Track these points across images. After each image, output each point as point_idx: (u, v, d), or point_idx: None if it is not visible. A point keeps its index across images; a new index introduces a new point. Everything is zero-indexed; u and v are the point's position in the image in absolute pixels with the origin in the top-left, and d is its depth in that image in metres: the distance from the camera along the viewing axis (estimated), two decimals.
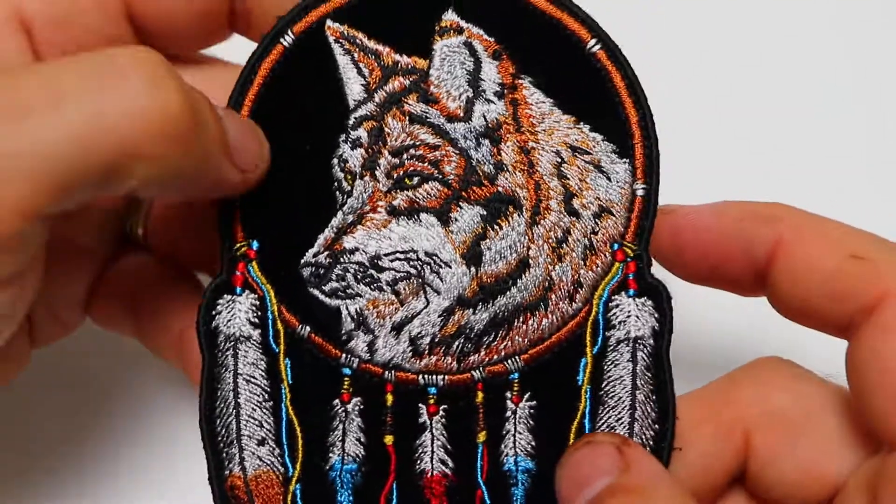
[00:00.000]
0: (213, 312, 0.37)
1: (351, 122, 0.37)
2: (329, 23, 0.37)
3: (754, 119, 0.52)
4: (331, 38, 0.37)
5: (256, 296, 0.37)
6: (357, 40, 0.37)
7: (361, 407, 0.37)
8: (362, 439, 0.37)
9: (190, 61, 0.40)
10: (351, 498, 0.37)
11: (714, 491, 0.38)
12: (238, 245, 0.37)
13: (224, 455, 0.37)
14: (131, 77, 0.30)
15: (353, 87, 0.37)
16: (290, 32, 0.37)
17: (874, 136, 0.52)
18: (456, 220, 0.37)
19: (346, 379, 0.37)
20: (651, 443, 0.37)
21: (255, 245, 0.37)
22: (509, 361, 0.37)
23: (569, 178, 0.37)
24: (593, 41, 0.37)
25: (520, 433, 0.37)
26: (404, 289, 0.37)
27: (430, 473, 0.37)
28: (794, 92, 0.53)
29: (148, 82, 0.31)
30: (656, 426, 0.37)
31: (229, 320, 0.37)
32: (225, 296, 0.37)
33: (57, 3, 0.35)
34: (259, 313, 0.37)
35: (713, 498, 0.38)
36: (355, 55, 0.37)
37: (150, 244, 0.42)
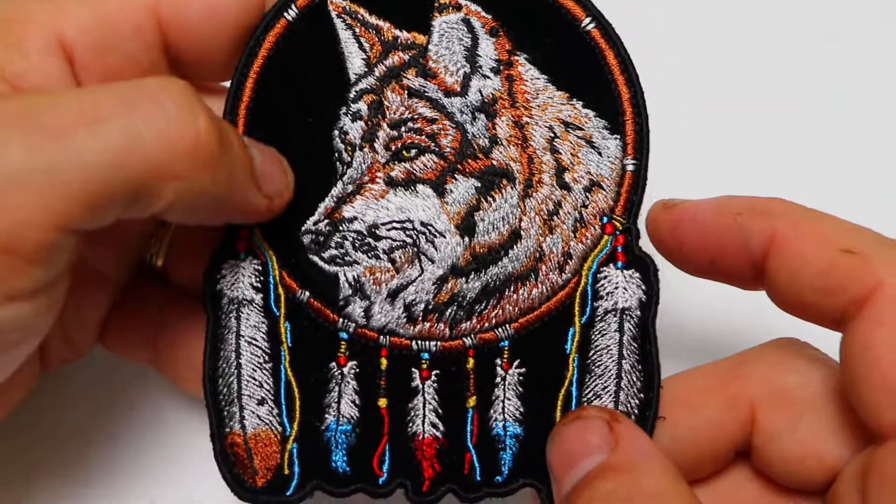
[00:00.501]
0: (218, 276, 0.39)
1: (352, 95, 0.39)
2: None
3: (752, 117, 0.52)
4: (333, 13, 0.38)
5: (259, 261, 0.39)
6: (358, 15, 0.38)
7: (357, 370, 0.39)
8: (357, 401, 0.39)
9: (211, 91, 0.41)
10: (345, 458, 0.39)
11: (718, 460, 0.38)
12: None
13: (225, 413, 0.39)
14: (164, 103, 0.32)
15: (354, 61, 0.39)
16: (293, 6, 0.38)
17: (872, 133, 0.52)
18: (451, 191, 0.38)
19: (342, 343, 0.39)
20: (636, 411, 0.38)
21: None
22: (500, 329, 0.39)
23: (561, 153, 0.38)
24: (588, 19, 0.38)
25: (509, 399, 0.38)
26: (400, 257, 0.39)
27: (421, 436, 0.39)
28: (792, 89, 0.53)
29: (180, 108, 0.32)
30: (641, 395, 0.38)
31: (233, 284, 0.39)
32: (229, 260, 0.39)
33: (97, 31, 0.36)
34: (261, 278, 0.39)
35: (717, 467, 0.39)
36: (357, 30, 0.38)
37: (169, 275, 0.43)
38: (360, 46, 0.38)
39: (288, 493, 0.39)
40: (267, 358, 0.39)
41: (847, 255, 0.34)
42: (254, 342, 0.39)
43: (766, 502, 0.38)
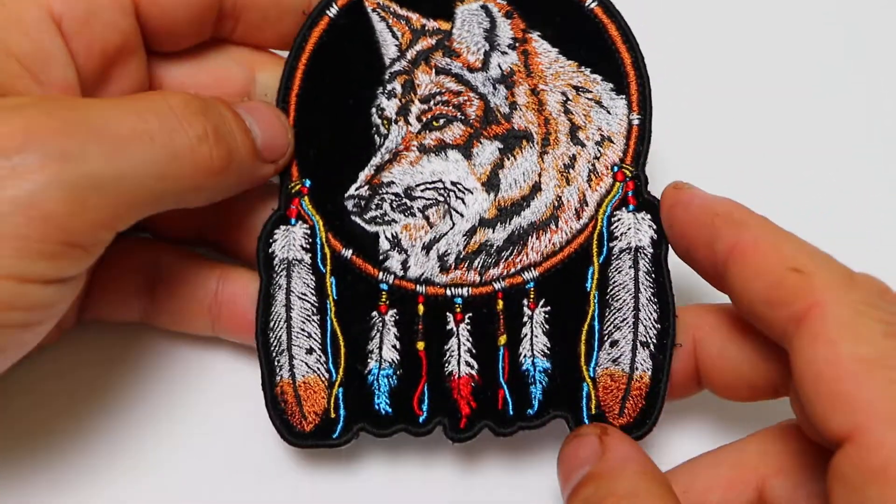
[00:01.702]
0: (271, 240, 0.43)
1: (387, 76, 0.44)
2: None
3: (752, 103, 0.54)
4: (369, 8, 0.44)
5: (308, 226, 0.43)
6: (391, 8, 0.44)
7: (397, 317, 0.42)
8: (397, 346, 0.42)
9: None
10: (387, 400, 0.42)
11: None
12: (293, 183, 0.43)
13: (276, 363, 0.42)
14: (187, 127, 0.38)
15: (389, 48, 0.44)
16: (334, 4, 0.44)
17: (872, 116, 0.54)
18: (477, 154, 0.43)
19: (383, 293, 0.43)
20: (654, 340, 0.41)
21: (308, 183, 0.43)
22: (525, 273, 0.42)
23: (574, 114, 0.43)
24: None
25: (536, 336, 0.42)
26: (433, 214, 0.43)
27: (457, 376, 0.42)
28: (792, 73, 0.55)
29: (200, 131, 0.39)
30: (658, 325, 0.41)
31: (284, 246, 0.43)
32: (281, 226, 0.43)
33: (80, 2, 0.40)
34: (310, 240, 0.43)
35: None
36: (389, 21, 0.44)
37: (156, 227, 0.46)
38: (393, 35, 0.44)
39: (334, 436, 0.42)
40: (315, 311, 0.42)
41: (794, 274, 0.36)
42: (303, 297, 0.43)
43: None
